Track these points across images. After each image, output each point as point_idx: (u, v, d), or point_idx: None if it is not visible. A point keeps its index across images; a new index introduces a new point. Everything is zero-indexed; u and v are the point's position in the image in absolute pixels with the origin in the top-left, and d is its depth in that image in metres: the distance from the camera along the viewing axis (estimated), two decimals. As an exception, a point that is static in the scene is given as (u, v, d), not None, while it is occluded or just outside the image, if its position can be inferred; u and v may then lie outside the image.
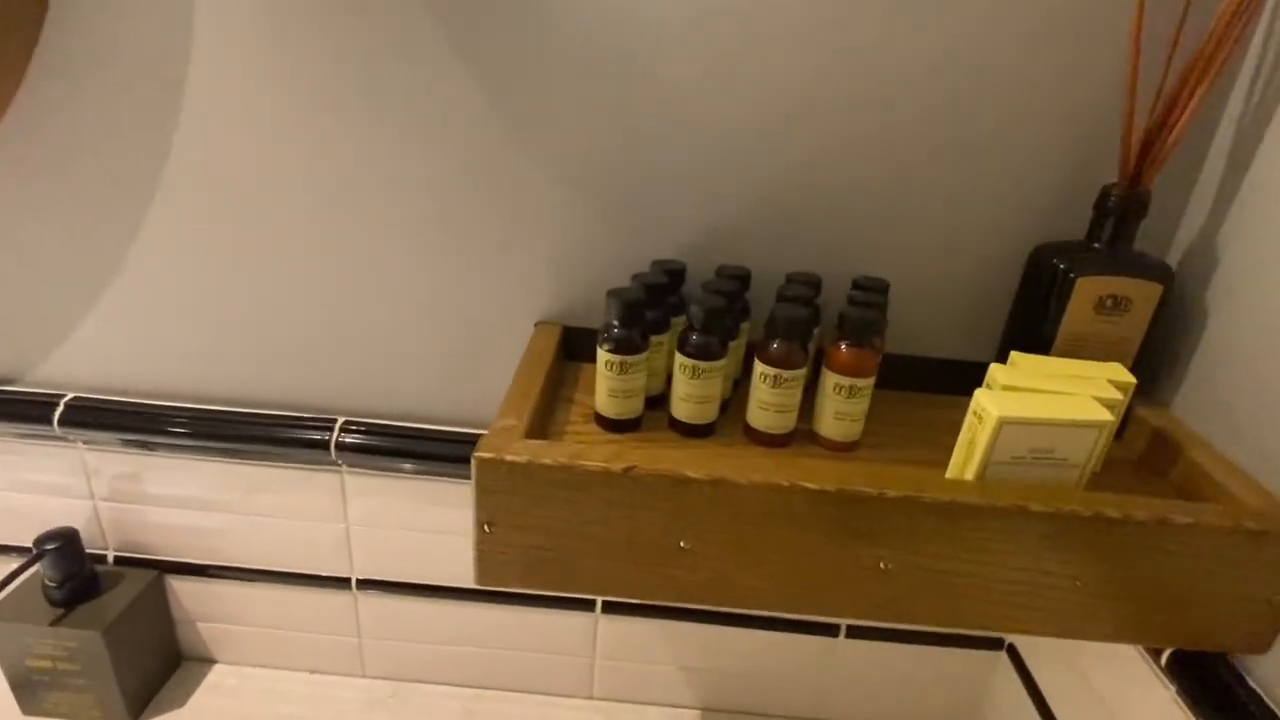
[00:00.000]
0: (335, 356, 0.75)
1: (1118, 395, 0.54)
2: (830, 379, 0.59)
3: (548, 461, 0.47)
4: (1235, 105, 0.61)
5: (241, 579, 0.85)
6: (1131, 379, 0.57)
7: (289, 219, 0.69)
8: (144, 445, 0.78)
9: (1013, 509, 0.48)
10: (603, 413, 0.60)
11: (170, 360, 0.76)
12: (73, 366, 0.77)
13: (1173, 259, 0.66)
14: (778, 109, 0.63)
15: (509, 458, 0.48)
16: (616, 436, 0.60)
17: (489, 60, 0.62)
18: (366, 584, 0.85)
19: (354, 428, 0.76)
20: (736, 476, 0.48)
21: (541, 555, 0.50)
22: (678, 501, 0.48)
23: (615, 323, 0.58)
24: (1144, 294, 0.61)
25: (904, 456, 0.61)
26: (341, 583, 0.85)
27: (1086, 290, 0.60)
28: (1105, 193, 0.61)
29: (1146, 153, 0.59)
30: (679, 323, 0.65)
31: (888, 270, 0.68)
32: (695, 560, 0.50)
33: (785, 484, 0.48)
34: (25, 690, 0.80)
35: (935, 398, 0.71)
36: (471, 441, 0.75)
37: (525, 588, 0.51)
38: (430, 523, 0.80)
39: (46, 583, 0.77)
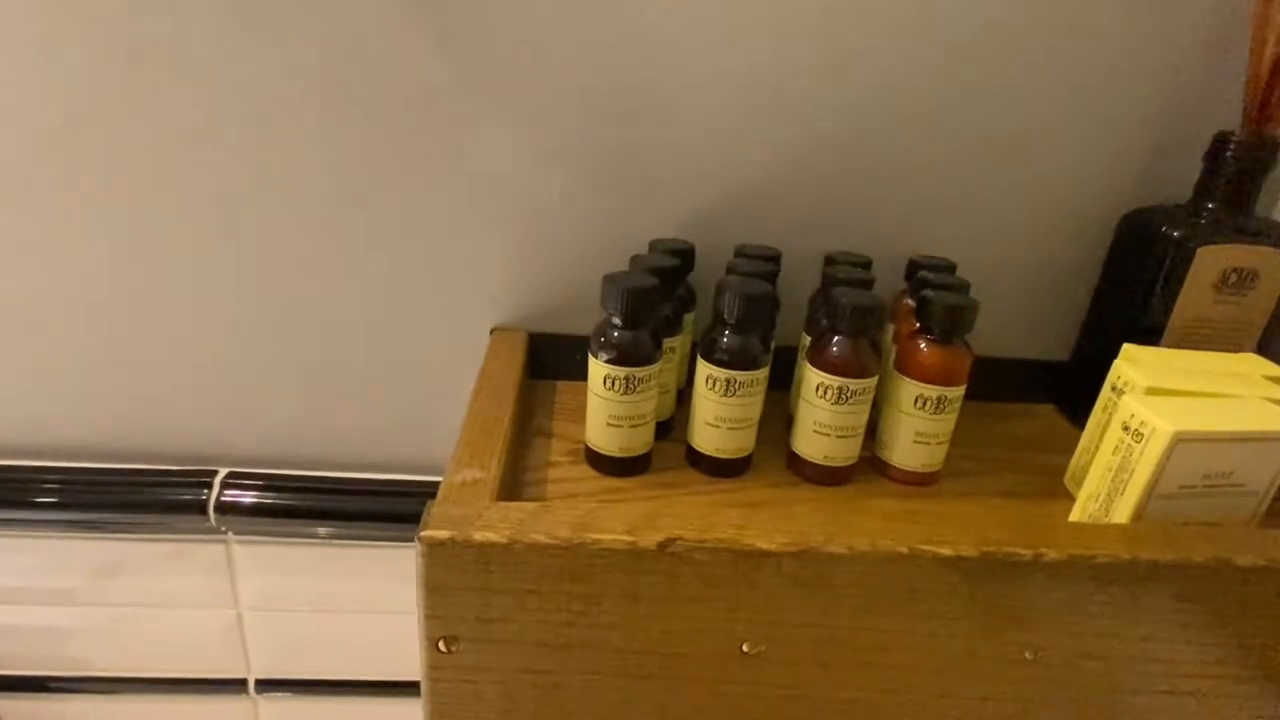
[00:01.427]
0: (216, 387, 0.55)
1: (1287, 395, 0.41)
2: (908, 389, 0.43)
3: (541, 539, 0.30)
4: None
5: (101, 692, 0.63)
6: (1286, 373, 0.44)
7: (159, 230, 0.49)
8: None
9: (1214, 565, 0.33)
10: (598, 448, 0.43)
11: (7, 409, 0.54)
12: None
13: (1280, 225, 0.54)
14: (805, 59, 0.48)
15: (479, 537, 0.30)
16: (620, 481, 0.43)
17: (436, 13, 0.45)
18: (268, 685, 0.64)
19: (241, 481, 0.56)
20: (831, 545, 0.31)
21: (530, 681, 0.33)
22: (742, 587, 0.32)
23: (618, 321, 0.40)
24: (1273, 265, 0.48)
25: (999, 488, 0.46)
26: (236, 686, 0.64)
27: (1208, 263, 0.47)
28: (1222, 141, 0.48)
29: (1274, 87, 0.46)
30: (691, 320, 0.48)
31: (939, 251, 0.53)
32: (764, 669, 0.33)
33: (904, 550, 0.32)
34: None
35: (1000, 407, 0.57)
36: (407, 493, 0.57)
37: (506, 729, 0.33)
38: (350, 601, 0.61)
39: None
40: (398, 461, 0.57)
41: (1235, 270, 0.48)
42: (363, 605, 0.61)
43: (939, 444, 0.44)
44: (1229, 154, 0.47)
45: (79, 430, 0.55)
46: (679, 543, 0.31)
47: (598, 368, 0.41)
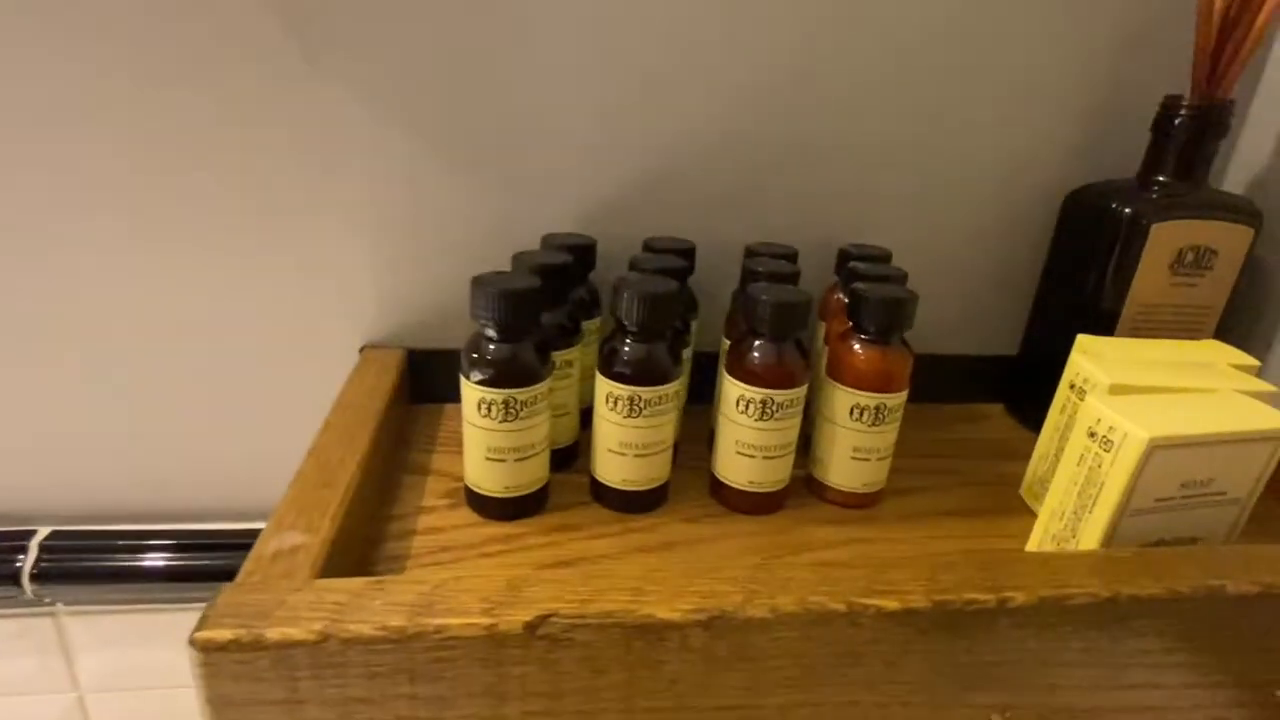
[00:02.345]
0: (31, 435, 0.45)
1: (1260, 384, 0.36)
2: (843, 397, 0.37)
3: (366, 631, 0.22)
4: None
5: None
6: (1251, 359, 0.39)
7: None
8: None
9: (1202, 594, 0.28)
10: (479, 488, 0.35)
11: None
12: None
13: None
14: (712, 27, 0.41)
15: (277, 635, 0.22)
16: (507, 526, 0.36)
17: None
18: (125, 777, 0.54)
19: (64, 543, 0.46)
20: (750, 607, 0.24)
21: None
22: (639, 670, 0.25)
23: (492, 334, 0.33)
24: (1232, 242, 0.44)
25: (949, 506, 0.41)
26: (81, 782, 0.54)
27: (1163, 241, 0.43)
28: (1171, 107, 0.43)
29: (1224, 45, 0.42)
30: (594, 328, 0.41)
31: (871, 241, 0.48)
32: (676, 765, 0.26)
33: (842, 608, 0.25)
34: None
35: (945, 409, 0.52)
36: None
37: None
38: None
39: None
40: (253, 509, 0.48)
41: (1193, 249, 0.43)
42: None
43: (880, 459, 0.38)
44: (1179, 120, 0.43)
45: None
46: (553, 621, 0.23)
47: (471, 391, 0.33)
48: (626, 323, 0.34)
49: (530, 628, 0.23)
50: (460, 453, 0.36)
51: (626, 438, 0.35)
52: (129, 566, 0.46)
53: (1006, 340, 0.53)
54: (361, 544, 0.32)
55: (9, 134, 0.39)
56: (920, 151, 0.47)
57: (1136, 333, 0.45)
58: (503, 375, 0.33)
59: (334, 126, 0.41)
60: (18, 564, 0.45)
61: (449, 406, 0.46)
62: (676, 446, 0.42)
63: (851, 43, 0.43)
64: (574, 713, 0.25)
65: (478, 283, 0.32)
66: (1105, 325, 0.45)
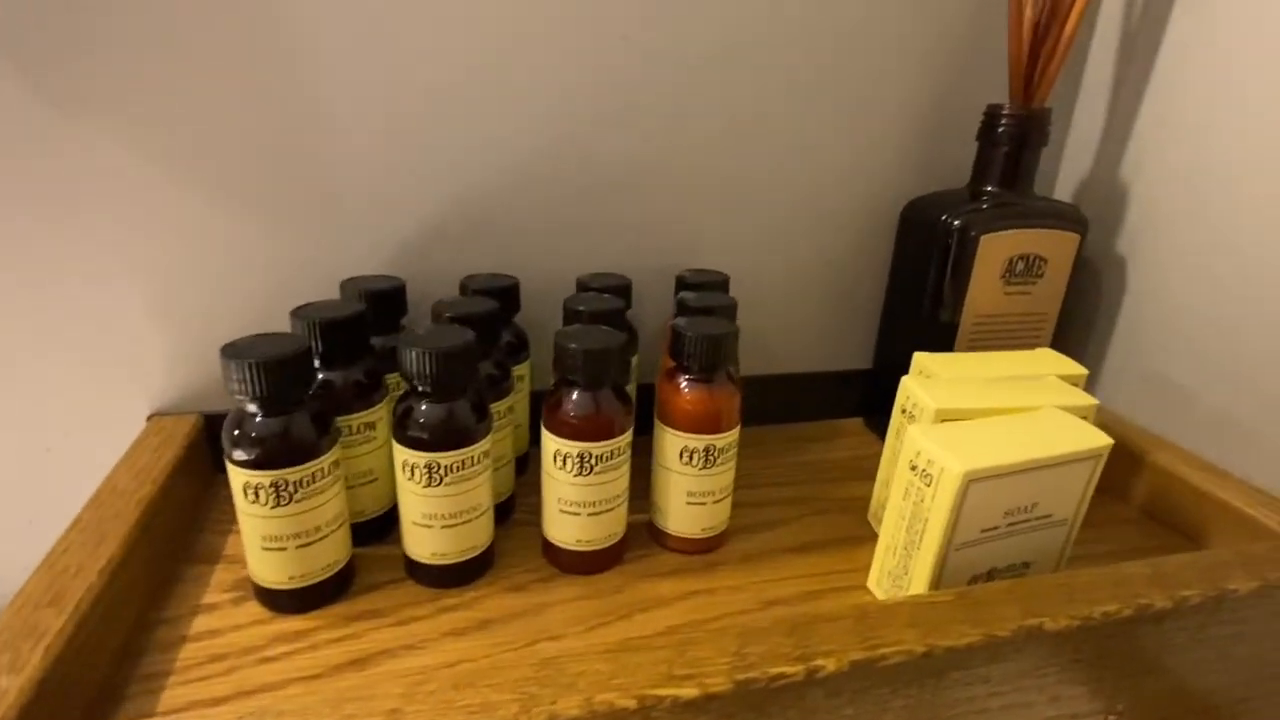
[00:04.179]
0: None
1: (1083, 397, 0.36)
2: (671, 441, 0.35)
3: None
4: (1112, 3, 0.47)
5: None
6: (1080, 369, 0.39)
7: None
8: None
9: (1021, 636, 0.27)
10: (261, 581, 0.31)
11: None
12: None
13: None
14: (533, 41, 0.38)
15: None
16: (300, 620, 0.31)
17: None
18: None
19: None
20: (536, 711, 0.22)
21: None
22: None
23: (253, 409, 0.29)
24: (1059, 249, 0.44)
25: (796, 541, 0.39)
26: None
27: (993, 251, 0.43)
28: (993, 115, 0.43)
29: (1037, 54, 0.42)
30: (396, 384, 0.38)
31: (711, 262, 0.46)
32: None
33: (633, 705, 0.22)
34: None
35: (805, 427, 0.50)
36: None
37: None
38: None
39: None
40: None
41: (1022, 258, 0.43)
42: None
43: (716, 502, 0.36)
44: (1000, 129, 0.43)
45: None
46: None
47: (236, 474, 0.29)
48: (417, 383, 0.30)
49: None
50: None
51: (430, 509, 0.32)
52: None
53: (861, 354, 0.52)
54: (107, 667, 0.28)
55: None
56: (757, 170, 0.45)
57: (975, 343, 0.44)
58: (270, 454, 0.29)
59: (101, 178, 0.36)
60: None
61: (259, 474, 0.41)
62: (510, 502, 0.39)
63: (683, 60, 0.41)
64: None
65: (230, 352, 0.28)
66: (945, 337, 0.44)
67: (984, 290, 0.43)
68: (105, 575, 0.28)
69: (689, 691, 0.23)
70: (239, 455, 0.29)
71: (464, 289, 0.39)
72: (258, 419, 0.29)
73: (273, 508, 0.29)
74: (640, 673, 0.24)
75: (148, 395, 0.40)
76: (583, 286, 0.41)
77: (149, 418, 0.40)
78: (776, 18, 0.42)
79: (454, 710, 0.22)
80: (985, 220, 0.42)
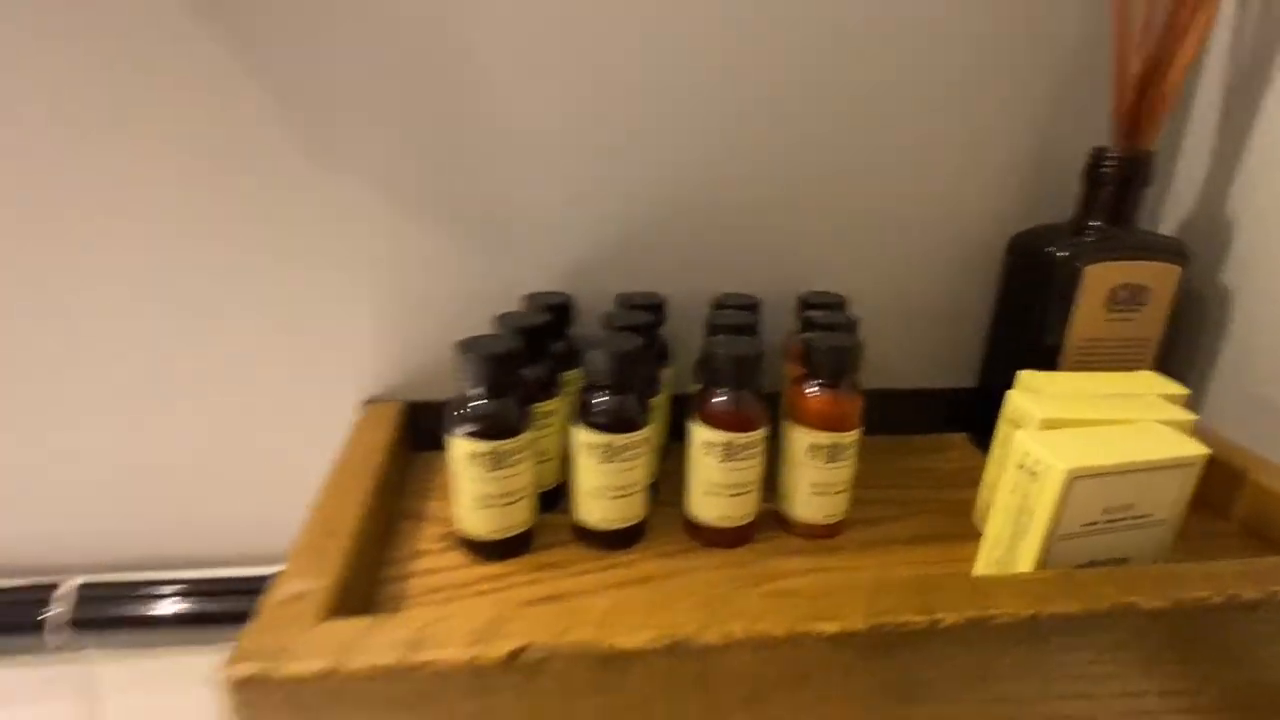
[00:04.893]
0: (56, 495, 0.49)
1: (1182, 413, 0.40)
2: (800, 437, 0.40)
3: (366, 666, 0.26)
4: (1224, 40, 0.50)
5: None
6: (1180, 389, 0.43)
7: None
8: None
9: (1118, 611, 0.31)
10: (469, 533, 0.39)
11: None
12: None
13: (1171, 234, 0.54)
14: (680, 92, 0.46)
15: (292, 670, 0.25)
16: (496, 566, 0.39)
17: (268, 62, 0.41)
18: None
19: (91, 592, 0.50)
20: (705, 635, 0.28)
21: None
22: (610, 694, 0.28)
23: (476, 391, 0.37)
24: (1162, 280, 0.47)
25: (907, 534, 0.44)
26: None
27: (1097, 282, 0.46)
28: (1098, 158, 0.47)
29: (1141, 103, 0.46)
30: (573, 379, 0.45)
31: (834, 286, 0.51)
32: (647, 779, 0.30)
33: (783, 634, 0.28)
34: None
35: (912, 440, 0.55)
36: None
37: None
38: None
39: None
40: (270, 554, 0.52)
41: (1125, 287, 0.47)
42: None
43: (838, 493, 0.42)
44: (1105, 170, 0.47)
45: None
46: (530, 651, 0.27)
47: (459, 444, 0.37)
48: (598, 378, 0.38)
49: (510, 658, 0.27)
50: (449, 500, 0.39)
51: (603, 481, 0.39)
52: (153, 614, 0.50)
53: (967, 373, 0.56)
54: (366, 585, 0.36)
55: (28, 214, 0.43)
56: (877, 203, 0.51)
57: (1079, 366, 0.48)
58: (488, 429, 0.36)
59: (339, 208, 0.45)
60: (46, 614, 0.49)
61: (442, 455, 0.49)
62: (655, 485, 0.45)
63: (809, 104, 0.47)
64: (549, 734, 0.28)
65: (464, 347, 0.36)
66: (1049, 359, 0.48)
67: (1087, 316, 0.47)
68: (360, 517, 0.36)
69: (830, 628, 0.29)
70: (464, 429, 0.37)
71: (621, 303, 0.46)
72: (481, 400, 0.37)
73: (487, 472, 0.37)
74: (789, 612, 0.29)
75: (363, 385, 0.49)
76: (719, 304, 0.47)
77: (364, 403, 0.49)
78: (902, 66, 0.47)
79: (646, 626, 0.28)
80: (1089, 252, 0.46)
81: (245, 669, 0.25)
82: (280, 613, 0.29)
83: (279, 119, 0.43)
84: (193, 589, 0.50)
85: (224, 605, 0.50)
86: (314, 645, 0.26)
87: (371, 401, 0.49)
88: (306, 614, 0.28)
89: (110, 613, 0.50)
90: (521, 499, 0.39)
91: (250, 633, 0.27)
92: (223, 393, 0.48)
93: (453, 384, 0.48)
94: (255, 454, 0.50)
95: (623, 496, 0.39)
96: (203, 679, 0.53)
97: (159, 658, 0.52)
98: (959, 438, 0.56)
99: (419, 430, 0.49)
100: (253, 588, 0.50)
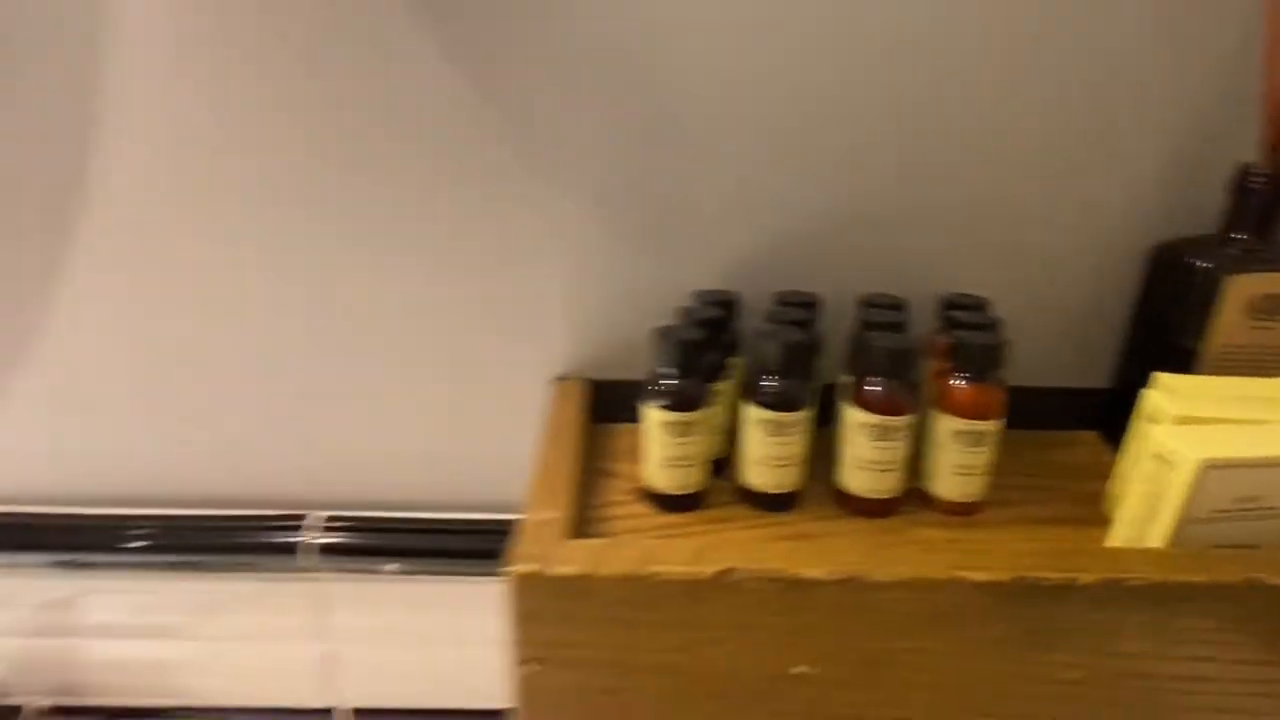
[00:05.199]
0: (306, 439, 0.61)
1: (1322, 419, 0.42)
2: (947, 424, 0.46)
3: (611, 572, 0.34)
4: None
5: (203, 720, 0.69)
6: (1321, 397, 0.45)
7: (241, 278, 0.56)
8: (76, 565, 0.63)
9: (1243, 585, 0.35)
10: (655, 487, 0.47)
11: (103, 460, 0.62)
12: (-21, 474, 0.62)
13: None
14: (838, 105, 0.52)
15: (560, 570, 0.34)
16: (676, 516, 0.47)
17: (482, 64, 0.51)
18: (358, 715, 0.69)
19: (332, 524, 0.61)
20: (874, 573, 0.34)
21: (606, 700, 0.36)
22: (792, 613, 0.35)
23: (668, 370, 0.45)
24: (1306, 291, 0.49)
25: (1040, 516, 0.48)
26: (323, 716, 0.69)
27: (1238, 291, 0.49)
28: (1245, 174, 0.50)
29: (1293, 120, 0.48)
30: (738, 365, 0.52)
31: (975, 287, 0.56)
32: (814, 690, 0.36)
33: (941, 576, 0.34)
34: None
35: (1045, 435, 0.59)
36: (484, 530, 0.62)
37: (583, 745, 0.37)
38: (434, 632, 0.65)
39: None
40: (470, 503, 0.62)
41: (1266, 297, 0.49)
42: (445, 636, 0.65)
43: (978, 475, 0.47)
44: (1252, 187, 0.49)
45: (197, 481, 0.62)
46: (734, 573, 0.34)
47: (652, 414, 0.45)
48: (769, 363, 0.45)
49: (718, 577, 0.34)
50: (634, 461, 0.47)
51: (768, 452, 0.46)
52: (374, 544, 0.61)
53: (1102, 374, 0.59)
54: (580, 524, 0.44)
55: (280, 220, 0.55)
56: (1018, 206, 0.55)
57: (1217, 372, 0.51)
58: (678, 402, 0.44)
59: (530, 211, 0.54)
60: (295, 539, 0.61)
61: (619, 426, 0.57)
62: (806, 460, 0.52)
63: (958, 108, 0.52)
64: (746, 640, 0.35)
65: (661, 333, 0.44)
66: (1187, 363, 0.51)
67: (1228, 324, 0.50)
68: (575, 466, 0.45)
69: (980, 576, 0.35)
70: (659, 402, 0.44)
71: (779, 300, 0.53)
72: (671, 378, 0.44)
73: (676, 437, 0.45)
74: (945, 560, 0.35)
75: (550, 364, 0.58)
76: (868, 303, 0.53)
77: (554, 380, 0.58)
78: (1049, 69, 0.51)
79: (826, 561, 0.35)
80: (1232, 263, 0.49)
81: (525, 567, 0.34)
82: (537, 532, 0.37)
83: (499, 136, 0.52)
84: (412, 526, 0.61)
85: (437, 543, 0.60)
86: (570, 555, 0.35)
87: (560, 379, 0.58)
88: (557, 534, 0.37)
89: (347, 542, 0.61)
90: (699, 462, 0.46)
91: (522, 542, 0.36)
92: (447, 367, 0.58)
93: (625, 367, 0.57)
94: (466, 417, 0.60)
95: (783, 466, 0.46)
96: (410, 602, 0.64)
97: (380, 582, 0.63)
98: (1090, 435, 0.59)
99: (598, 405, 0.57)
100: (462, 529, 0.60)
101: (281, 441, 0.61)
